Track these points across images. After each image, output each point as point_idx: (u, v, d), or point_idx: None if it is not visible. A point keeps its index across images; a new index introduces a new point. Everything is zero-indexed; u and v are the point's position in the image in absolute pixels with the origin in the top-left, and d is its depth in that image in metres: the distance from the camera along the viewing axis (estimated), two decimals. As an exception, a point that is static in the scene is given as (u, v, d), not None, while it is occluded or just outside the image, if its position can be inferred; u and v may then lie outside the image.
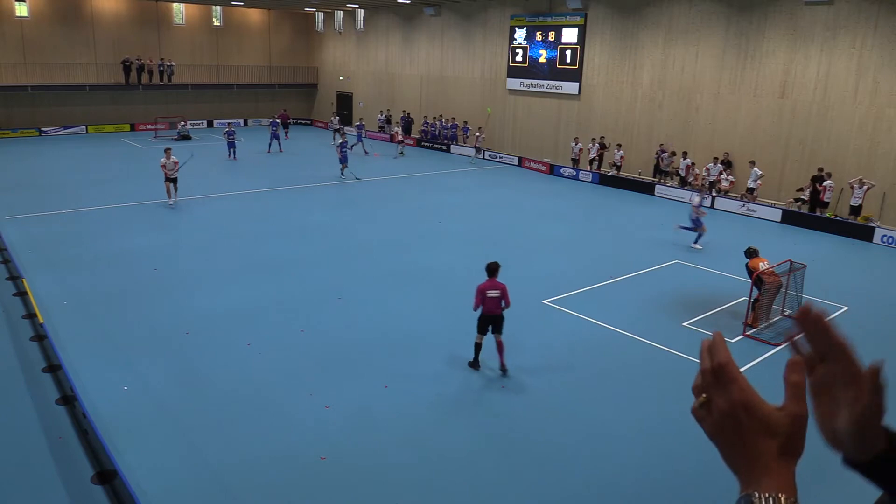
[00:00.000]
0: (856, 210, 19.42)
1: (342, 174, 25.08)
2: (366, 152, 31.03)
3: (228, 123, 33.62)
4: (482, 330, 9.76)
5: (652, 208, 22.27)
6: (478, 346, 9.89)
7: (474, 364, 9.97)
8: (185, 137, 34.39)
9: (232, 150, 28.79)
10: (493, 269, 9.64)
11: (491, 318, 9.68)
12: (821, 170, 20.30)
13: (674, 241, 17.74)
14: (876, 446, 0.91)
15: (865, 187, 19.10)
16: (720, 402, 0.91)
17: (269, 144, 31.23)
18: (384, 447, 7.93)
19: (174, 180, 19.78)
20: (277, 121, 32.38)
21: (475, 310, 9.63)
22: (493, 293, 9.54)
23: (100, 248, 15.46)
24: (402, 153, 31.15)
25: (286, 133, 34.40)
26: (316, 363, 10.03)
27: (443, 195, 23.09)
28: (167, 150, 19.94)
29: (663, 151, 24.79)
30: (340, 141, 25.95)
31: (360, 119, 34.40)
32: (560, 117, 29.15)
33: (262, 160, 29.24)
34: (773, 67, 21.73)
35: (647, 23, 25.19)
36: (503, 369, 9.82)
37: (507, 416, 8.79)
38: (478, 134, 30.50)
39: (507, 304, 9.66)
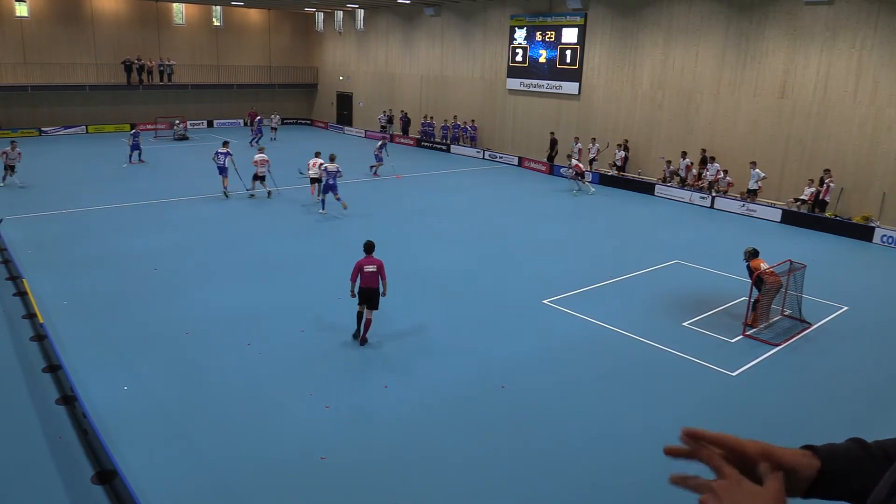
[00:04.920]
0: (821, 204, 20.12)
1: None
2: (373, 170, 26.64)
3: (134, 125, 31.48)
4: (361, 302, 10.59)
5: (652, 208, 22.28)
6: (358, 316, 10.72)
7: (357, 334, 10.79)
8: (182, 138, 34.40)
9: (136, 153, 26.80)
10: (369, 247, 10.71)
11: (366, 292, 10.48)
12: (827, 171, 20.27)
13: (673, 240, 17.74)
14: (803, 486, 1.02)
15: (827, 183, 19.90)
16: None
17: (257, 139, 31.87)
18: (384, 447, 7.92)
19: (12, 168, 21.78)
20: (262, 117, 34.08)
21: (353, 280, 10.52)
22: (369, 268, 10.46)
23: (100, 248, 15.46)
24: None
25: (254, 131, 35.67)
26: (316, 363, 10.03)
27: (443, 195, 23.08)
28: (13, 143, 22.05)
29: (619, 149, 25.77)
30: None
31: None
32: (560, 117, 29.15)
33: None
34: (773, 67, 21.73)
35: (647, 23, 25.19)
36: (363, 341, 10.65)
37: (507, 415, 8.78)
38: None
39: (384, 279, 10.51)
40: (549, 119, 29.56)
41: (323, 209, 19.59)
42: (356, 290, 10.52)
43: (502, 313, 12.29)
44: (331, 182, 19.13)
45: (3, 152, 21.85)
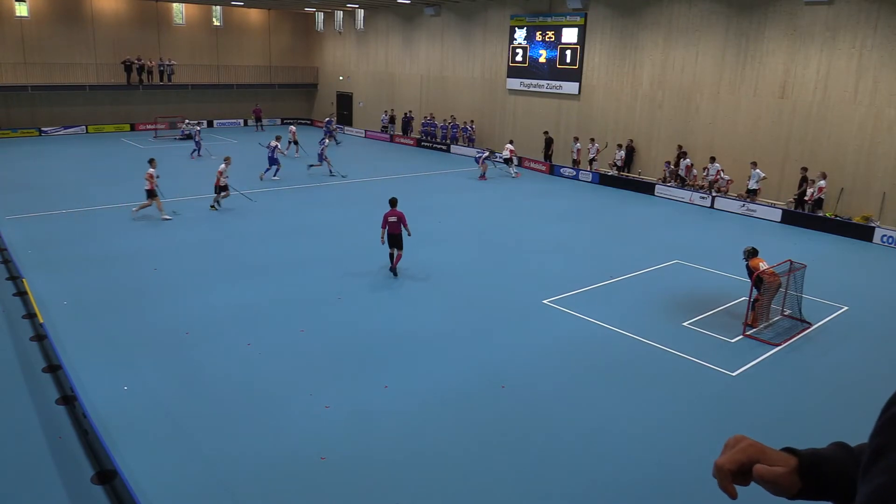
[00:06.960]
0: (818, 203, 20.13)
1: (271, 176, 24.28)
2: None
3: (192, 122, 33.76)
4: (391, 246, 13.73)
5: (652, 208, 22.28)
6: (391, 256, 13.93)
7: (393, 269, 13.89)
8: (188, 137, 34.39)
9: (196, 150, 29.14)
10: (393, 202, 13.73)
11: (393, 237, 13.58)
12: (804, 169, 20.54)
13: (673, 240, 17.75)
14: (793, 488, 1.13)
15: (820, 183, 19.95)
16: None
17: (324, 139, 34.01)
18: (384, 447, 7.92)
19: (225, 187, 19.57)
20: (332, 119, 36.24)
21: (382, 227, 13.52)
22: (392, 218, 13.43)
23: (100, 248, 15.46)
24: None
25: (261, 127, 39.46)
26: (316, 363, 10.03)
27: (442, 195, 23.09)
28: (226, 159, 19.88)
29: (619, 149, 26.19)
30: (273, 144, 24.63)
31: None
32: (560, 117, 29.15)
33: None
34: (773, 67, 21.73)
35: (647, 23, 25.19)
36: (394, 271, 13.85)
37: (507, 415, 8.78)
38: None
39: (406, 225, 13.55)
40: (550, 119, 29.55)
41: (262, 177, 24.06)
42: (385, 237, 13.54)
43: (502, 313, 12.29)
44: (269, 155, 24.04)
45: (148, 175, 17.65)
